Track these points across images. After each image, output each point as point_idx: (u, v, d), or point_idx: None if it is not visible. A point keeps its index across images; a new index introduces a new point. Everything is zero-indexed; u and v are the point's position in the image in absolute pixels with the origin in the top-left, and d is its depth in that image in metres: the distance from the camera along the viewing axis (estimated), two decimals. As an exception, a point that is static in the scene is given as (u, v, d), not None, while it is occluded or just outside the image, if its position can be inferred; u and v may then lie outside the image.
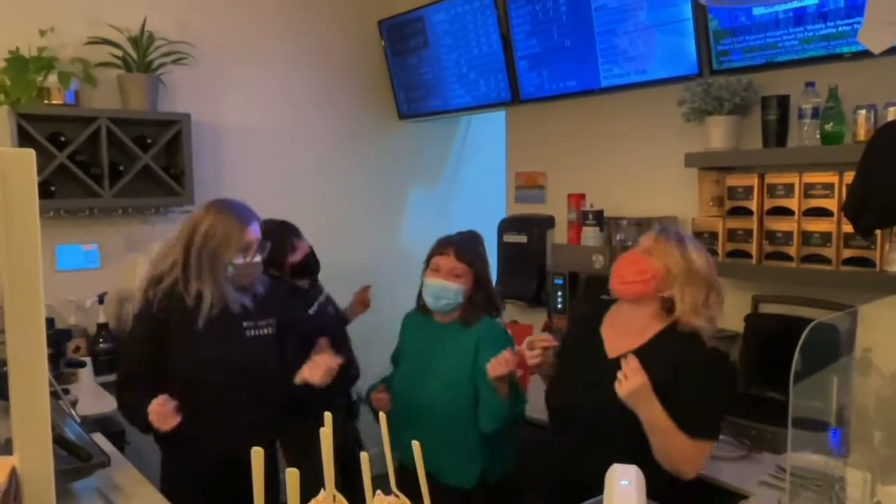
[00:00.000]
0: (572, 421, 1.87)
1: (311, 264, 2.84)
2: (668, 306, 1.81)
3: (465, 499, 2.17)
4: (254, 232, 2.11)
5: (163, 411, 1.91)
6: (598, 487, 1.49)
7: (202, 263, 2.05)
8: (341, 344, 2.72)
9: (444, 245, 2.25)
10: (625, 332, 1.87)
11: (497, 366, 1.98)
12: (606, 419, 1.75)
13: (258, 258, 2.12)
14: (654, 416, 1.68)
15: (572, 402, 1.88)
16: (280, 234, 2.71)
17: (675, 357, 1.76)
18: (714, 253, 2.53)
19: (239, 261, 2.07)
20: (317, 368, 2.10)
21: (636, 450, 1.63)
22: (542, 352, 1.92)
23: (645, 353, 1.78)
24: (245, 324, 2.13)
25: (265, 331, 2.17)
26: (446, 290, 2.19)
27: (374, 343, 2.88)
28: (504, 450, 2.23)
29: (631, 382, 1.65)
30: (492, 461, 2.19)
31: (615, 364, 1.76)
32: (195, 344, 2.03)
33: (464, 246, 2.24)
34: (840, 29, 2.27)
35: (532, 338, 1.94)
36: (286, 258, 2.72)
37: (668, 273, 1.78)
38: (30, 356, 0.60)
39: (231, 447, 1.88)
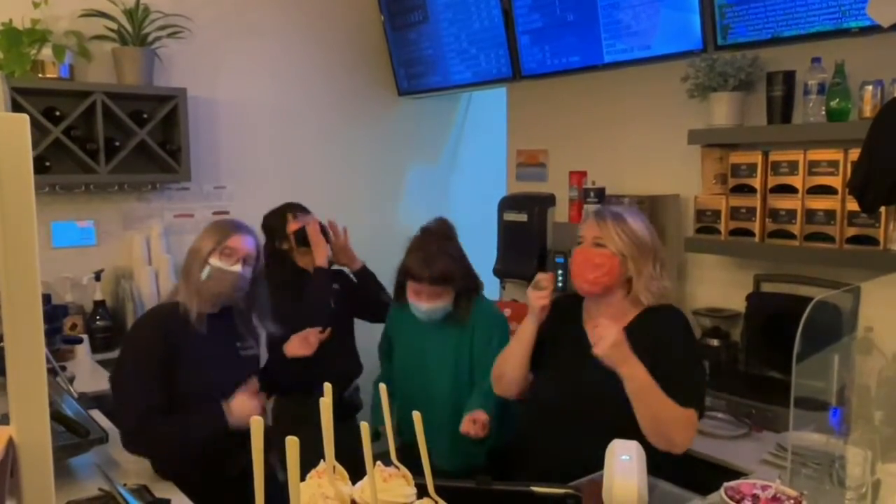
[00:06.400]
0: (560, 413, 1.88)
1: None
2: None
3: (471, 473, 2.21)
4: (241, 241, 2.02)
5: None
6: (591, 470, 1.51)
7: (187, 270, 2.01)
8: (343, 332, 2.70)
9: (418, 274, 2.21)
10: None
11: (467, 427, 2.10)
12: (593, 410, 1.76)
13: (238, 268, 1.99)
14: (635, 374, 1.66)
15: (558, 396, 1.88)
16: (280, 212, 2.72)
17: (654, 336, 1.78)
18: (716, 231, 2.52)
19: (216, 262, 1.97)
20: (302, 341, 2.32)
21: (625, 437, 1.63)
22: (549, 293, 1.85)
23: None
24: (237, 344, 2.09)
25: (251, 351, 2.14)
26: (435, 310, 2.26)
27: (372, 326, 2.84)
28: (508, 420, 2.25)
29: (606, 337, 1.65)
30: (497, 435, 2.22)
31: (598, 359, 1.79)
32: (198, 361, 1.97)
33: (435, 267, 2.19)
34: None
35: (540, 277, 1.87)
36: (286, 229, 2.67)
37: (624, 257, 1.81)
38: (26, 323, 0.58)
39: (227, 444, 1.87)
